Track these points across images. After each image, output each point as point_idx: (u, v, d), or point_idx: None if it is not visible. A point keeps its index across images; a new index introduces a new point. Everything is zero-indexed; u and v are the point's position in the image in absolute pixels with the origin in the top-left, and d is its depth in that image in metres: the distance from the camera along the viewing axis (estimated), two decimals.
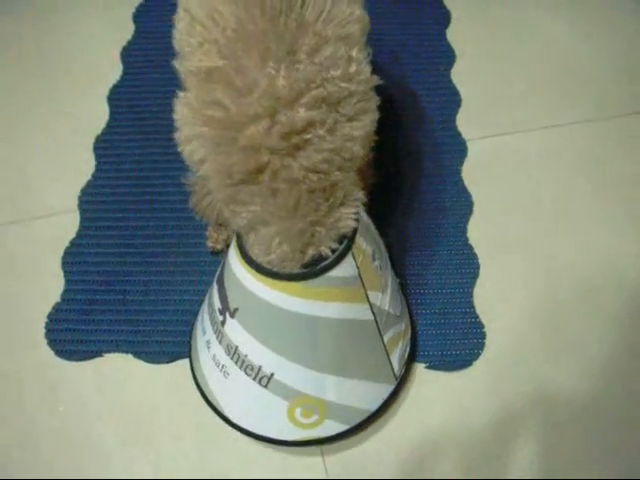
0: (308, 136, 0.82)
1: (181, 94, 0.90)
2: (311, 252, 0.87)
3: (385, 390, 1.04)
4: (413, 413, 1.08)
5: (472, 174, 1.35)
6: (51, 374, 1.14)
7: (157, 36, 1.62)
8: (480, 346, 1.14)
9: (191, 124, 0.87)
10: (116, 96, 1.52)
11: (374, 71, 0.90)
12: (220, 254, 1.24)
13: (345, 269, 0.90)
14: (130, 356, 1.15)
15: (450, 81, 1.52)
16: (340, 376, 0.97)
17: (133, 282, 1.23)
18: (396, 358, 1.04)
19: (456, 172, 1.36)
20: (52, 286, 1.23)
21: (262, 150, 0.82)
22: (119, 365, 1.14)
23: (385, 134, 1.17)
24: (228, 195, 0.87)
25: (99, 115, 1.48)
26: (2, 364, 1.15)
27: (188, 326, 1.15)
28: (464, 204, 1.31)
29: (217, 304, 0.98)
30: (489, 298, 1.19)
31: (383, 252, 1.04)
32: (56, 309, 1.20)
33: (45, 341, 1.17)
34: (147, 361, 1.15)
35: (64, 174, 1.39)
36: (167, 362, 1.14)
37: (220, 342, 0.98)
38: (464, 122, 1.44)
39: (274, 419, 0.99)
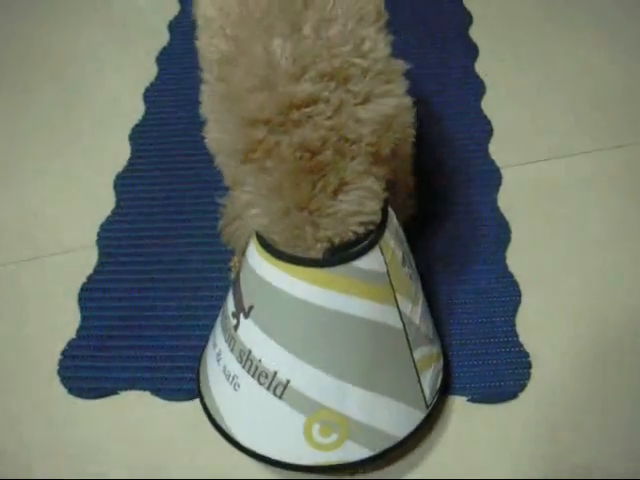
0: (309, 110, 0.77)
1: (202, 87, 0.87)
2: (304, 244, 0.80)
3: (415, 417, 0.93)
4: (455, 451, 0.97)
5: (508, 202, 1.28)
6: (62, 413, 1.06)
7: (180, 78, 1.62)
8: (526, 376, 1.04)
9: (207, 111, 0.85)
10: (138, 135, 1.50)
11: None
12: None
13: (372, 262, 0.82)
14: (147, 394, 1.07)
15: (481, 111, 1.47)
16: (364, 388, 0.87)
17: (152, 317, 1.16)
18: (427, 382, 0.94)
19: (492, 200, 1.29)
20: (67, 322, 1.16)
21: (258, 125, 0.78)
22: (135, 403, 1.06)
23: (417, 164, 1.13)
24: (232, 177, 0.83)
25: (120, 153, 1.45)
26: (12, 401, 1.08)
27: None
28: (501, 232, 1.24)
29: (231, 308, 0.91)
30: (533, 327, 1.10)
31: (413, 265, 0.96)
32: (70, 345, 1.14)
33: (58, 378, 1.09)
34: (165, 399, 1.06)
35: (83, 211, 1.35)
36: (186, 400, 1.06)
37: (232, 350, 0.89)
38: (497, 150, 1.38)
39: (289, 438, 0.88)
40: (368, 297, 0.84)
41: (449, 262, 1.19)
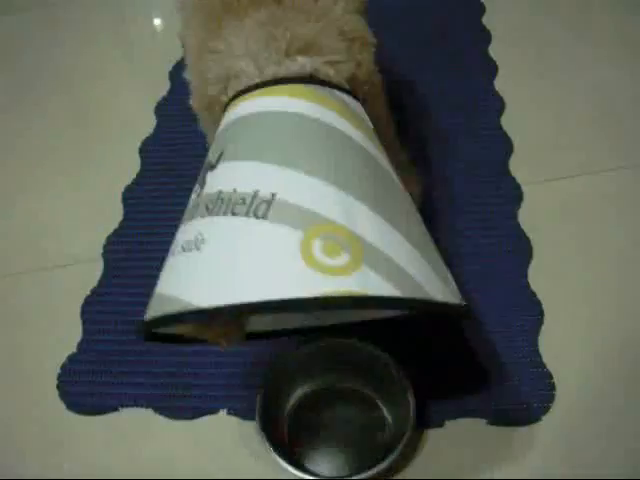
0: None
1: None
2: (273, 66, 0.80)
3: (442, 286, 0.70)
4: (472, 474, 0.92)
5: (530, 219, 1.23)
6: (59, 429, 1.01)
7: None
8: (549, 398, 0.98)
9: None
10: (148, 148, 1.47)
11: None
12: None
13: (356, 105, 0.78)
14: (150, 411, 1.02)
15: (500, 128, 1.42)
16: (375, 211, 0.67)
17: None
18: (448, 272, 0.75)
19: (512, 217, 1.24)
20: (69, 336, 1.12)
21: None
22: (136, 420, 1.01)
23: (436, 180, 1.09)
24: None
25: (130, 166, 1.42)
26: (8, 416, 1.04)
27: (213, 379, 1.04)
28: (522, 249, 1.18)
29: (194, 193, 0.80)
30: (557, 346, 1.04)
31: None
32: (70, 359, 1.09)
33: (56, 393, 1.05)
34: (168, 417, 1.01)
35: (90, 223, 1.32)
36: (190, 418, 1.00)
37: (194, 217, 0.73)
38: (518, 167, 1.33)
39: (281, 266, 0.63)
40: (360, 129, 0.74)
41: (469, 280, 1.14)
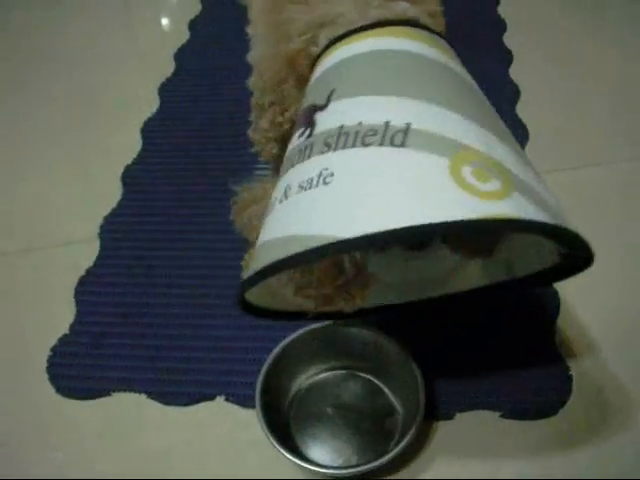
0: None
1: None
2: None
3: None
4: (481, 467, 0.86)
5: None
6: (49, 414, 0.95)
7: (196, 75, 1.56)
8: (566, 392, 0.93)
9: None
10: (150, 128, 1.42)
11: None
12: None
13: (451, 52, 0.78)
14: (143, 396, 0.97)
15: (515, 116, 1.38)
16: (504, 144, 0.64)
17: (153, 315, 1.06)
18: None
19: None
20: (61, 317, 1.07)
21: None
22: (129, 406, 0.96)
23: None
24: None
25: (131, 146, 1.38)
26: None
27: (211, 364, 0.99)
28: None
29: (298, 139, 0.72)
30: (574, 338, 0.99)
31: None
32: (62, 341, 1.04)
33: (46, 376, 0.99)
34: (163, 402, 0.96)
35: (88, 202, 1.27)
36: (186, 404, 0.95)
37: (310, 156, 0.67)
38: (533, 156, 1.24)
39: (435, 189, 0.57)
40: (464, 69, 0.74)
41: None
